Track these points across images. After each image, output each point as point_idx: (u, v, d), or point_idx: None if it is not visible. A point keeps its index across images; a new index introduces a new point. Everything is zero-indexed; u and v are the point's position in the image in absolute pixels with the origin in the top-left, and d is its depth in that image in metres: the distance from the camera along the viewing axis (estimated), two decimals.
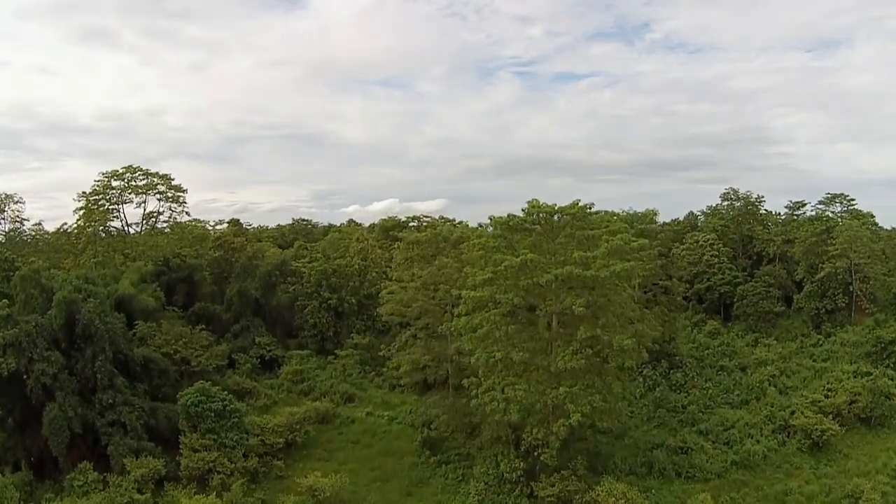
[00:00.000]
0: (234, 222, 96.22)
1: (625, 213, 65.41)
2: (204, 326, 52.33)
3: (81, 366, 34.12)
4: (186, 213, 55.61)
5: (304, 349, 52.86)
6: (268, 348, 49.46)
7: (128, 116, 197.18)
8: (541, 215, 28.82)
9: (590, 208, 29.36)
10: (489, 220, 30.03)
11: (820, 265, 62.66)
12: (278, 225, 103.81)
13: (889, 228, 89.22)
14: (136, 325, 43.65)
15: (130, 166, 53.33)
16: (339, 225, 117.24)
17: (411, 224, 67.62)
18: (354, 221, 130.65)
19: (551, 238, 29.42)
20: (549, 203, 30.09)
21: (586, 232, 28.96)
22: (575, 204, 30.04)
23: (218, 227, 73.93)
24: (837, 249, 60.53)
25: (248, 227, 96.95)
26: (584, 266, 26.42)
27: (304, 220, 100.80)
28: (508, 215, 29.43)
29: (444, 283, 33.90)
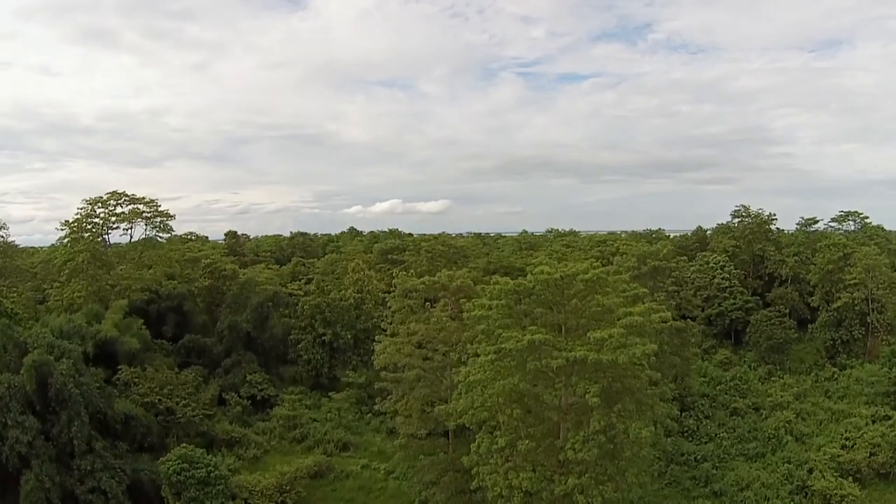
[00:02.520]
0: (231, 234, 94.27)
1: (633, 235, 63.08)
2: (194, 360, 50.67)
3: (57, 430, 32.05)
4: (173, 238, 53.26)
5: (299, 384, 50.88)
6: (259, 387, 47.32)
7: (129, 117, 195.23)
8: (550, 283, 26.37)
9: (605, 273, 26.90)
10: (494, 288, 27.47)
11: (836, 294, 60.36)
12: (277, 235, 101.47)
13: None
14: (120, 369, 41.56)
15: (115, 192, 51.04)
16: (337, 234, 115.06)
17: (409, 248, 65.26)
18: (355, 229, 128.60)
19: (561, 305, 27.02)
20: (560, 266, 27.66)
21: (601, 299, 26.54)
22: (588, 268, 27.58)
23: (216, 237, 71.60)
24: (855, 279, 58.16)
25: (246, 240, 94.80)
26: (598, 347, 24.05)
27: (302, 233, 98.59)
28: (515, 283, 26.99)
29: (442, 343, 31.60)
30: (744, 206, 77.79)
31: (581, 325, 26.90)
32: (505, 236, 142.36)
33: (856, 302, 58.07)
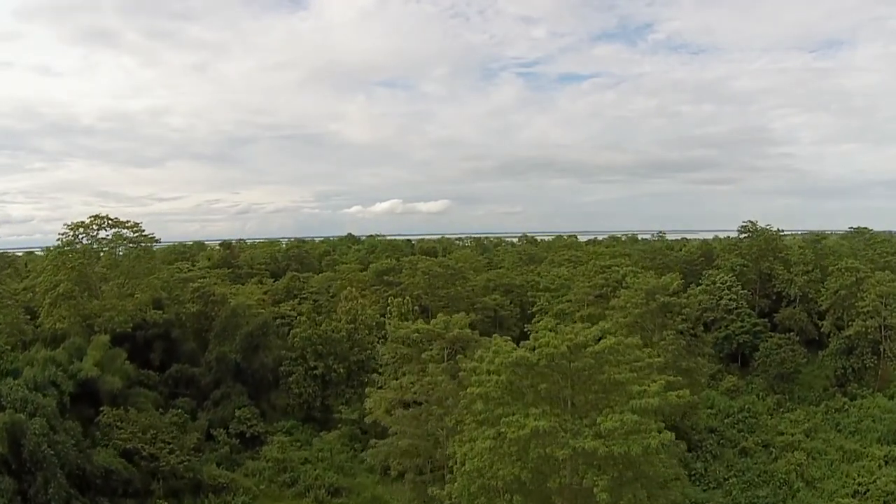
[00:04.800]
0: (226, 245, 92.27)
1: (636, 249, 60.78)
2: (182, 391, 48.98)
3: (34, 491, 30.25)
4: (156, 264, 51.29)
5: (290, 416, 49.12)
6: (249, 423, 45.45)
7: (130, 117, 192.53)
8: (555, 357, 24.26)
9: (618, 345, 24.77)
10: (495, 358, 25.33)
11: (848, 320, 58.51)
12: (274, 242, 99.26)
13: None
14: (102, 411, 39.72)
15: (97, 216, 48.91)
16: (335, 241, 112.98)
17: (406, 269, 63.22)
18: (353, 235, 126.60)
19: (568, 379, 24.96)
20: (566, 334, 25.54)
21: (613, 374, 24.47)
22: (599, 334, 25.45)
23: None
24: (869, 306, 56.17)
25: (241, 251, 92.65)
26: (611, 436, 22.02)
27: (298, 243, 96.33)
28: (517, 355, 24.88)
29: (436, 405, 29.62)
30: (751, 222, 75.80)
31: (590, 400, 24.91)
32: (505, 241, 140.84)
33: (869, 331, 56.21)
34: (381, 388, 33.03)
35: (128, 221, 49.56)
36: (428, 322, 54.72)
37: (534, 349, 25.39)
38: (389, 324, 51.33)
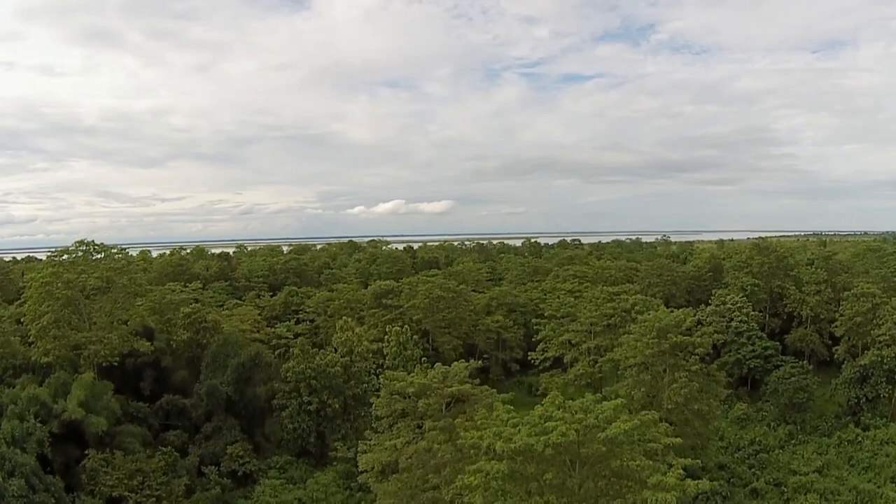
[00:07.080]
0: (224, 256, 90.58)
1: (648, 261, 58.58)
2: (174, 422, 47.48)
3: None
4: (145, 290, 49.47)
5: (284, 451, 47.52)
6: (241, 461, 43.82)
7: (133, 117, 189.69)
8: (563, 447, 22.36)
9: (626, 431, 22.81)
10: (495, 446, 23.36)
11: (863, 348, 56.56)
12: (274, 248, 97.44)
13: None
14: (87, 454, 38.13)
15: (83, 241, 47.01)
16: (335, 248, 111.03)
17: (406, 290, 61.27)
18: (354, 242, 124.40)
19: (576, 465, 23.12)
20: (576, 413, 23.65)
21: (627, 462, 22.60)
22: (611, 414, 23.56)
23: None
24: (885, 335, 54.15)
25: (240, 261, 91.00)
26: None
27: (297, 254, 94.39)
28: (521, 444, 22.91)
29: (433, 473, 27.85)
30: (762, 238, 73.56)
31: (600, 486, 23.09)
32: (508, 244, 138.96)
33: (885, 360, 54.25)
34: (371, 442, 31.24)
35: (114, 247, 47.72)
36: (426, 349, 53.28)
37: (538, 424, 23.59)
38: (386, 351, 49.65)
